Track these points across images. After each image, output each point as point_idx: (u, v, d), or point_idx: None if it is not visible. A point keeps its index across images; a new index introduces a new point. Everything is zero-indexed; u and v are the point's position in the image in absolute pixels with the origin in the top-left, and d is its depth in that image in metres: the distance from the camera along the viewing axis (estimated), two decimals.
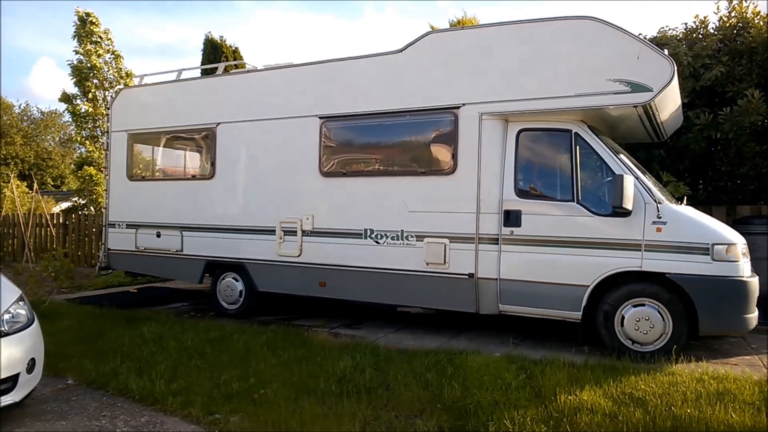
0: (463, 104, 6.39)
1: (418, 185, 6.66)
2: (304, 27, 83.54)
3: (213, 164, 8.11)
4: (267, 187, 7.69)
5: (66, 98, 15.06)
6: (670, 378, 4.75)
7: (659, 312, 5.54)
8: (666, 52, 5.95)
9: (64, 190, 28.46)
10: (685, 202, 6.25)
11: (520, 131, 6.22)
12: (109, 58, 15.28)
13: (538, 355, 5.50)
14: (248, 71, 8.52)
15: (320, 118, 7.25)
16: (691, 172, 9.20)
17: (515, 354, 5.61)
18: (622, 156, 6.02)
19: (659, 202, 5.58)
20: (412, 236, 6.64)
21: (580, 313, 5.82)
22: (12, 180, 16.60)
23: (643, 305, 5.60)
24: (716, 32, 9.02)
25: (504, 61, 6.27)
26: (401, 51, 6.81)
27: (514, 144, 6.21)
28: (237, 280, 7.98)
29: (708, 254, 5.36)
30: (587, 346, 5.93)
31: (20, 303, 4.36)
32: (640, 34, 8.54)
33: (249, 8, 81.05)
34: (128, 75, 15.20)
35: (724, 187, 9.10)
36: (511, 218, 6.12)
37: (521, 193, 6.15)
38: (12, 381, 3.99)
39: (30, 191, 16.52)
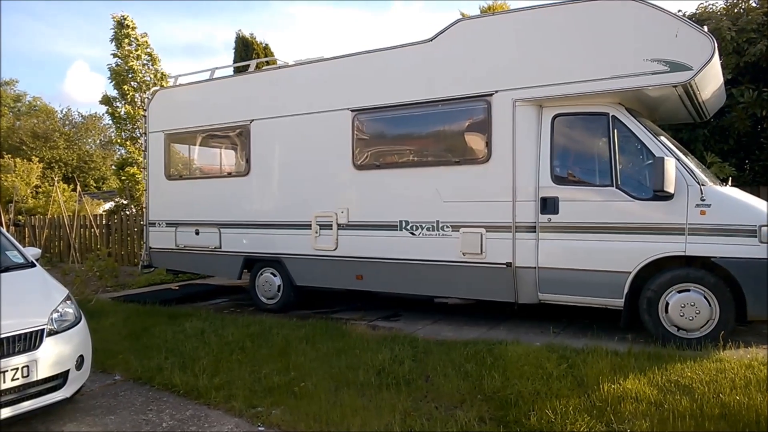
0: (496, 91, 6.30)
1: (452, 175, 6.61)
2: (330, 21, 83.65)
3: (248, 161, 8.20)
4: (301, 182, 7.74)
5: (107, 101, 15.46)
6: (717, 365, 4.62)
7: (705, 297, 5.38)
8: (707, 28, 5.75)
9: (105, 189, 29.32)
10: (730, 183, 6.04)
11: (555, 116, 6.10)
12: (146, 60, 15.58)
13: (579, 344, 5.41)
14: (279, 67, 8.59)
15: (352, 111, 7.26)
16: (737, 151, 8.88)
17: (556, 343, 5.53)
18: (662, 138, 5.84)
19: (702, 184, 5.40)
20: (447, 226, 6.60)
21: (623, 300, 5.70)
22: (57, 183, 17.14)
23: (688, 291, 5.45)
24: (760, 5, 8.66)
25: (537, 45, 6.15)
26: (432, 40, 6.74)
27: (549, 129, 6.10)
28: (275, 275, 8.07)
29: (755, 236, 5.18)
30: (630, 334, 5.80)
31: (68, 302, 4.51)
32: (679, 11, 8.29)
33: (276, 5, 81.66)
34: (163, 77, 15.48)
35: None
36: (548, 205, 6.01)
37: (558, 180, 6.04)
38: (62, 377, 4.13)
39: (74, 194, 17.04)
